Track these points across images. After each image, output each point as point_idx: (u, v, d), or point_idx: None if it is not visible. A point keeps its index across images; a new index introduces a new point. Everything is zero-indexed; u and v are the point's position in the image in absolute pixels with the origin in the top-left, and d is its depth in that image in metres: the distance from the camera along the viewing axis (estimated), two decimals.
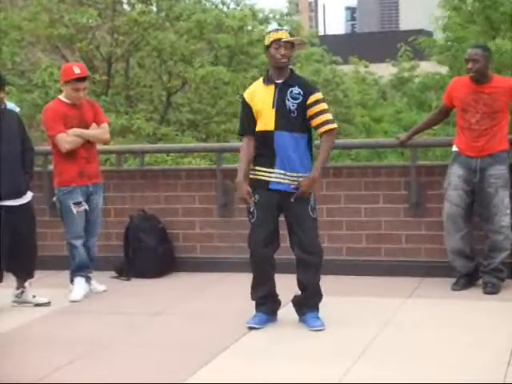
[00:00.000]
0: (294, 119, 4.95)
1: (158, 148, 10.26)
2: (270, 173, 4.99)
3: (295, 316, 5.24)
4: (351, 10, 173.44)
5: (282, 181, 4.99)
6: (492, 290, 5.76)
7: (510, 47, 14.11)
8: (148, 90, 16.72)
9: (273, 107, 4.96)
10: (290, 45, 4.95)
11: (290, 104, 4.94)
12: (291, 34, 5.03)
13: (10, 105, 6.22)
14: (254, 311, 5.18)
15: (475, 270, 5.95)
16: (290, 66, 5.09)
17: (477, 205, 5.85)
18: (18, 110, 6.35)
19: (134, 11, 16.02)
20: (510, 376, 4.10)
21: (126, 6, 17.23)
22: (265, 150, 5.01)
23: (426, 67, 19.45)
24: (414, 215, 6.44)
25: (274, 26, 19.06)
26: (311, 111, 4.97)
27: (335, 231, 6.60)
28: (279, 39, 4.91)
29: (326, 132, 5.01)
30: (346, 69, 23.70)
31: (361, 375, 4.21)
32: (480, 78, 5.78)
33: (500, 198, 5.74)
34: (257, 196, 5.05)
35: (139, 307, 5.83)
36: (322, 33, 72.91)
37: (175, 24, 16.23)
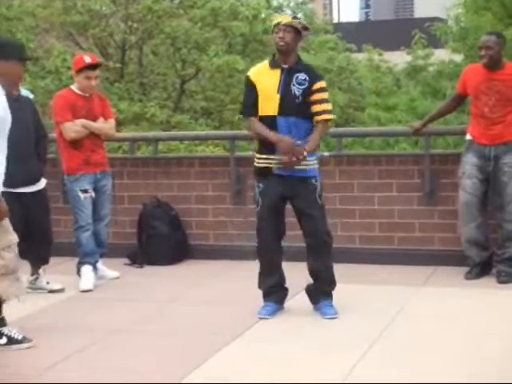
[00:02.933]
0: (298, 105, 4.93)
1: (172, 135, 10.24)
2: (272, 159, 4.97)
3: (307, 304, 5.24)
4: None
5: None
6: (506, 279, 5.75)
7: None
8: (162, 78, 16.71)
9: (277, 92, 4.93)
10: (291, 29, 4.91)
11: (296, 89, 4.93)
12: (295, 19, 5.01)
13: (24, 91, 6.24)
14: None
15: (489, 260, 5.93)
16: (298, 53, 5.07)
17: (491, 193, 5.82)
18: (31, 96, 6.36)
19: None
20: None
21: None
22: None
23: (441, 55, 19.33)
24: (428, 204, 6.42)
25: (288, 14, 18.99)
26: (314, 97, 4.96)
27: (348, 219, 6.59)
28: (278, 23, 4.93)
29: (323, 120, 5.02)
30: (360, 57, 23.60)
31: (372, 365, 4.20)
32: (493, 65, 5.75)
33: None
34: (260, 185, 5.04)
35: (152, 294, 5.85)
36: (336, 20, 72.59)
37: (189, 12, 16.19)
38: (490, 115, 5.73)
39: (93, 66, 6.08)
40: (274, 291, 5.20)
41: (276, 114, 4.93)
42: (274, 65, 5.00)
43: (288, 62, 4.97)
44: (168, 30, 15.51)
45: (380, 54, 24.43)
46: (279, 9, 18.35)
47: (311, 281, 5.22)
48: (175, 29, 15.44)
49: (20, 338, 4.66)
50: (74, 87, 6.16)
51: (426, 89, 18.59)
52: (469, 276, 5.89)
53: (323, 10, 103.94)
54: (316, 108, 4.98)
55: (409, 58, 22.26)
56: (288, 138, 4.88)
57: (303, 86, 4.93)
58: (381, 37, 34.36)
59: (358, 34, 36.28)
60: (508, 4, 15.20)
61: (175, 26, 15.47)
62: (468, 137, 5.90)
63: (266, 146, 4.98)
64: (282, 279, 5.24)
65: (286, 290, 5.28)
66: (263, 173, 5.03)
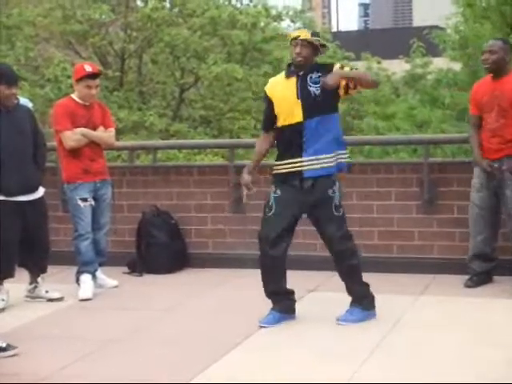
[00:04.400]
0: (320, 103, 4.91)
1: (171, 144, 10.27)
2: (300, 162, 4.93)
3: (308, 313, 5.24)
4: (364, 6, 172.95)
5: (315, 166, 4.94)
6: None
7: None
8: (161, 86, 16.74)
9: (297, 98, 4.93)
10: (309, 44, 4.92)
11: (314, 89, 4.91)
12: (313, 34, 4.98)
13: (23, 100, 6.25)
14: (265, 308, 5.18)
15: (491, 270, 5.87)
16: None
17: (501, 205, 5.73)
18: (30, 105, 6.37)
19: (147, 7, 16.04)
20: None
21: (139, 2, 17.27)
22: (292, 143, 4.96)
23: (440, 64, 19.35)
24: (427, 212, 6.42)
25: (286, 22, 19.06)
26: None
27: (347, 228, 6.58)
28: (296, 37, 4.94)
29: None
30: (359, 65, 23.64)
31: (371, 374, 4.20)
32: (496, 71, 5.64)
33: None
34: (278, 191, 5.01)
35: (151, 303, 5.85)
36: (334, 29, 72.70)
37: (188, 20, 16.23)
38: (492, 126, 5.65)
39: (93, 75, 6.09)
40: (279, 300, 5.17)
41: (302, 119, 4.92)
42: (289, 73, 5.00)
43: (303, 70, 4.98)
44: (167, 39, 15.55)
45: (379, 63, 24.46)
46: (278, 17, 18.38)
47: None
48: (174, 37, 15.49)
49: (4, 345, 4.64)
50: (74, 96, 6.17)
51: (424, 97, 18.61)
52: (469, 284, 5.86)
53: (322, 19, 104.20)
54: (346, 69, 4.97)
55: (407, 66, 22.30)
56: (245, 176, 5.10)
57: (319, 84, 4.90)
58: (379, 45, 34.41)
59: (357, 42, 36.34)
60: (507, 13, 15.24)
61: (174, 34, 15.51)
62: None
63: (289, 152, 4.95)
64: (285, 288, 5.19)
65: (293, 299, 5.24)
66: (284, 179, 5.00)
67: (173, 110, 16.67)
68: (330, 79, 4.82)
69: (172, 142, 11.95)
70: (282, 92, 4.99)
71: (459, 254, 6.25)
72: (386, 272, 6.34)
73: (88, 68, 6.12)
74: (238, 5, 18.31)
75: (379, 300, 5.63)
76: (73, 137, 6.04)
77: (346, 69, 5.00)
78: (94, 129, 6.15)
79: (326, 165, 4.95)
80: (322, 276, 6.20)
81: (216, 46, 16.28)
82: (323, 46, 5.00)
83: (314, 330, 4.99)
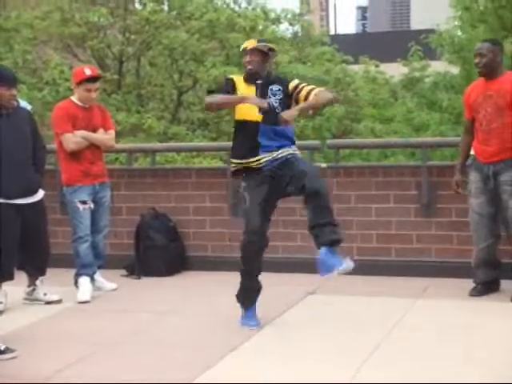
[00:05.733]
0: (278, 114, 4.95)
1: (169, 147, 10.28)
2: (257, 161, 4.99)
3: (304, 316, 5.24)
4: (362, 10, 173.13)
5: (272, 157, 4.98)
6: None
7: None
8: (159, 89, 16.74)
9: (259, 111, 4.99)
10: (258, 52, 5.06)
11: (273, 101, 5.03)
12: (260, 41, 5.17)
13: (23, 103, 6.25)
14: (264, 310, 5.18)
15: (496, 279, 5.81)
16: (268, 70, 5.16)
17: (499, 210, 5.64)
18: (30, 107, 6.37)
19: (146, 10, 16.05)
20: None
21: (137, 5, 17.27)
22: (247, 141, 5.02)
23: (438, 67, 19.38)
24: (425, 215, 6.43)
25: (285, 25, 19.09)
26: (296, 93, 5.02)
27: (346, 231, 6.54)
28: (245, 48, 5.12)
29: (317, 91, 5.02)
30: (357, 68, 23.64)
31: (370, 377, 4.20)
32: (488, 73, 5.56)
33: None
34: (247, 181, 5.03)
35: (149, 306, 5.85)
36: (332, 32, 72.77)
37: (187, 23, 16.24)
38: (486, 128, 5.57)
39: (93, 79, 6.09)
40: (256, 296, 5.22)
41: (260, 120, 4.99)
42: (248, 80, 5.12)
43: (260, 79, 5.09)
44: (165, 42, 15.56)
45: (377, 66, 24.48)
46: (277, 20, 18.41)
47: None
48: (173, 40, 15.49)
49: (3, 348, 4.65)
50: (74, 98, 6.17)
51: (422, 100, 18.65)
52: (473, 293, 5.76)
53: (320, 22, 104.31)
54: (305, 90, 5.01)
55: (405, 69, 22.32)
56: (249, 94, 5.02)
57: (279, 96, 5.05)
58: (377, 48, 34.46)
59: (355, 45, 36.39)
60: (504, 17, 15.27)
61: (173, 37, 15.52)
62: (472, 152, 5.75)
63: (245, 151, 5.00)
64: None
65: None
66: (248, 172, 5.02)
67: (171, 112, 16.68)
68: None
69: (171, 144, 11.95)
70: (243, 89, 5.07)
71: (457, 258, 6.27)
72: (385, 275, 6.35)
73: (88, 71, 6.13)
74: (237, 8, 18.34)
75: (377, 303, 5.65)
76: (73, 139, 6.04)
77: (304, 86, 5.03)
78: (94, 131, 6.16)
79: (281, 155, 4.98)
80: (320, 279, 6.19)
81: (214, 49, 16.30)
82: (271, 49, 5.11)
83: (313, 332, 4.99)
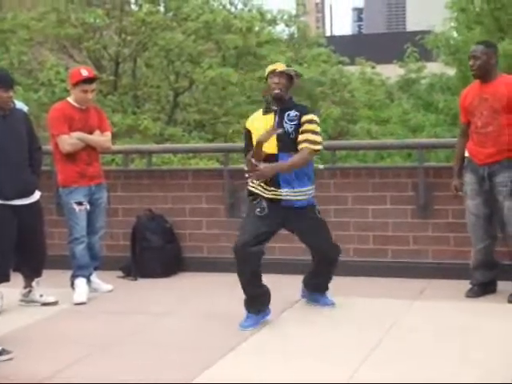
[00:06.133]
0: (293, 140, 5.12)
1: (166, 148, 10.26)
2: (279, 193, 5.17)
3: (302, 316, 5.24)
4: (358, 11, 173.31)
5: (292, 198, 5.18)
6: None
7: None
8: (155, 90, 16.73)
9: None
10: (285, 75, 5.18)
11: (288, 126, 5.14)
12: (289, 67, 5.35)
13: (19, 104, 6.23)
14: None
15: (493, 280, 5.80)
16: (291, 96, 5.27)
17: (494, 212, 5.63)
18: (26, 108, 6.36)
19: (142, 11, 16.05)
20: None
21: (133, 6, 17.26)
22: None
23: (434, 68, 19.40)
24: (422, 216, 6.43)
25: (281, 26, 19.12)
26: (301, 128, 5.13)
27: (342, 232, 6.59)
28: (274, 70, 5.20)
29: (304, 148, 5.13)
30: (353, 69, 23.66)
31: (367, 377, 4.20)
32: (483, 76, 5.54)
33: (508, 207, 5.51)
34: (264, 203, 5.18)
35: (146, 307, 5.84)
36: (328, 33, 72.81)
37: (183, 24, 16.24)
38: (482, 130, 5.54)
39: (89, 80, 6.08)
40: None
41: (276, 151, 5.14)
42: (266, 111, 5.24)
43: (280, 105, 5.19)
44: (162, 43, 15.56)
45: (373, 67, 24.51)
46: (273, 21, 18.41)
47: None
48: (169, 41, 15.48)
49: None
50: (70, 99, 6.16)
51: (418, 102, 18.68)
52: (469, 294, 5.74)
53: (316, 24, 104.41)
54: (300, 137, 5.14)
55: (401, 71, 22.36)
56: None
57: (294, 122, 5.14)
58: (373, 50, 34.48)
59: (351, 47, 36.41)
60: (500, 18, 15.30)
61: (169, 38, 15.51)
62: (466, 153, 5.73)
63: (269, 181, 5.15)
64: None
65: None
66: (268, 200, 5.20)
67: (167, 114, 16.67)
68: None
69: (167, 146, 11.94)
70: (260, 125, 5.19)
71: (454, 259, 6.26)
72: (381, 276, 6.34)
73: (84, 72, 6.11)
74: (233, 9, 18.35)
75: (374, 304, 5.65)
76: (69, 141, 6.03)
77: (305, 129, 5.12)
78: (91, 133, 6.14)
79: (300, 197, 5.20)
80: None
81: (210, 50, 16.30)
82: (298, 75, 5.27)
83: (311, 333, 5.00)
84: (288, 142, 5.12)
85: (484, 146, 5.56)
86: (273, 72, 5.19)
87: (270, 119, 5.17)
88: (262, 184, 5.18)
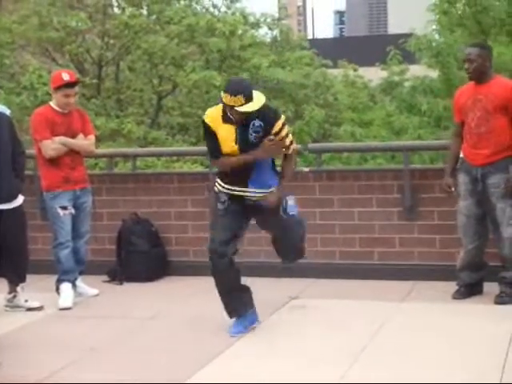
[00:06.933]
0: (254, 147, 4.91)
1: (151, 151, 10.23)
2: (243, 191, 5.00)
3: (291, 318, 5.23)
4: (340, 14, 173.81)
5: (256, 196, 4.99)
6: (507, 299, 5.55)
7: (504, 50, 14.11)
8: (138, 94, 16.69)
9: (235, 143, 4.91)
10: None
11: (252, 138, 4.91)
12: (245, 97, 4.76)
13: (1, 107, 6.18)
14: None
15: (479, 281, 5.80)
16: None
17: (487, 213, 5.62)
18: (8, 112, 6.31)
19: (125, 14, 16.00)
20: (506, 379, 4.10)
21: (116, 10, 17.21)
22: (235, 173, 4.98)
23: (417, 71, 19.46)
24: (408, 218, 6.43)
25: (264, 30, 19.12)
26: (278, 138, 4.93)
27: (328, 235, 6.59)
28: (232, 107, 4.76)
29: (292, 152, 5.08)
30: (336, 72, 23.71)
31: (356, 379, 4.20)
32: (478, 78, 5.56)
33: (501, 208, 5.51)
34: (229, 201, 5.03)
35: (132, 311, 5.81)
36: (310, 36, 72.90)
37: (166, 28, 16.20)
38: (475, 131, 5.55)
39: (71, 84, 6.04)
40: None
41: (237, 153, 4.93)
42: (227, 120, 4.91)
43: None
44: (145, 46, 15.52)
45: (355, 70, 24.57)
46: (256, 25, 18.42)
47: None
48: (152, 45, 15.45)
49: None
50: (52, 104, 6.11)
51: (401, 104, 18.72)
52: (456, 296, 5.75)
53: (298, 27, 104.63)
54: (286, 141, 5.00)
55: (383, 73, 22.40)
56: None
57: (259, 134, 4.89)
58: (355, 53, 34.59)
59: (333, 49, 36.51)
60: (482, 21, 15.38)
61: (152, 41, 15.47)
62: (461, 154, 5.73)
63: (235, 180, 4.99)
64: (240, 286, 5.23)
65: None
66: (233, 196, 5.05)
67: (151, 117, 16.63)
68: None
69: (153, 149, 11.91)
70: (222, 133, 4.92)
71: (440, 261, 6.27)
72: (367, 279, 6.34)
73: (66, 77, 6.06)
74: (216, 12, 18.33)
75: (361, 306, 5.65)
76: (52, 146, 5.99)
77: (285, 130, 4.96)
78: (74, 136, 6.10)
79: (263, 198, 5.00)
80: (303, 283, 6.20)
81: (194, 54, 16.28)
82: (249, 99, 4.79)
83: (299, 335, 4.99)
84: (248, 149, 4.91)
85: (477, 147, 5.57)
86: (231, 108, 4.77)
87: (232, 130, 4.89)
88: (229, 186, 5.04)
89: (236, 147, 4.92)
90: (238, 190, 5.02)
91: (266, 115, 4.91)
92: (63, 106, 6.04)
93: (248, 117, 4.84)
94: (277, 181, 5.06)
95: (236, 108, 4.74)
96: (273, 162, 5.13)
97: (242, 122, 4.86)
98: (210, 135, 4.98)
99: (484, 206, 5.62)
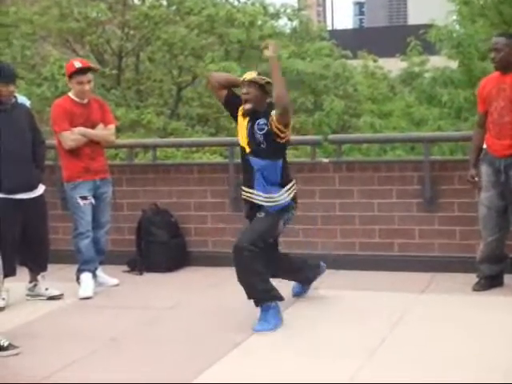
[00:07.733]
0: (264, 150, 5.04)
1: (171, 142, 10.25)
2: (250, 193, 5.13)
3: (308, 312, 5.23)
4: (359, 5, 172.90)
5: (260, 200, 5.10)
6: None
7: None
8: (158, 85, 16.68)
9: (247, 137, 5.10)
10: (254, 84, 5.03)
11: (258, 136, 5.04)
12: (260, 75, 5.11)
13: (22, 98, 6.21)
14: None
15: (500, 273, 5.78)
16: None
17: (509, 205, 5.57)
18: (28, 103, 6.34)
19: (145, 5, 16.00)
20: None
21: (136, 1, 17.22)
22: (245, 170, 5.20)
23: (437, 62, 19.33)
24: (427, 210, 6.41)
25: (284, 20, 19.06)
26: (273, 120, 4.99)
27: (348, 226, 6.59)
28: (243, 80, 5.08)
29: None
30: (355, 63, 23.60)
31: (373, 372, 4.20)
32: (504, 68, 5.51)
33: None
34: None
35: (151, 302, 5.83)
36: (330, 27, 72.55)
37: (186, 18, 16.19)
38: (499, 121, 5.51)
39: (83, 70, 6.04)
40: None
41: (248, 152, 5.11)
42: (244, 113, 5.13)
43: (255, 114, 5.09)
44: (164, 37, 15.51)
45: (375, 61, 24.45)
46: (276, 15, 18.35)
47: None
48: (172, 35, 15.43)
49: (6, 344, 4.63)
50: (71, 94, 6.13)
51: (421, 95, 18.61)
52: (476, 288, 5.73)
53: (317, 17, 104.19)
54: (273, 118, 4.99)
55: (403, 64, 22.29)
56: None
57: (263, 131, 5.03)
58: (375, 44, 34.40)
59: (353, 40, 36.34)
60: (505, 12, 15.22)
61: (172, 32, 15.46)
62: (484, 145, 5.69)
63: (244, 177, 5.20)
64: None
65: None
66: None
67: (170, 108, 16.63)
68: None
69: (172, 139, 11.92)
70: (240, 122, 5.16)
71: (460, 252, 6.25)
72: (387, 270, 6.33)
73: (77, 64, 6.09)
74: (236, 3, 18.29)
75: (380, 298, 5.64)
76: (71, 137, 6.01)
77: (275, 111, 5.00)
78: (93, 127, 6.12)
79: (267, 203, 5.08)
80: (324, 274, 6.20)
81: (213, 44, 16.25)
82: (269, 83, 5.02)
83: (315, 329, 4.98)
84: (259, 150, 5.06)
85: (500, 137, 5.53)
86: (242, 82, 5.09)
87: (244, 124, 5.11)
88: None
89: (246, 141, 5.09)
90: (245, 192, 5.19)
91: (266, 113, 5.08)
92: (79, 94, 6.05)
93: (256, 112, 5.04)
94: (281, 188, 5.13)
95: (246, 79, 5.02)
96: (283, 167, 5.15)
97: (252, 111, 5.03)
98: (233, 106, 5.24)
99: (506, 198, 5.58)
